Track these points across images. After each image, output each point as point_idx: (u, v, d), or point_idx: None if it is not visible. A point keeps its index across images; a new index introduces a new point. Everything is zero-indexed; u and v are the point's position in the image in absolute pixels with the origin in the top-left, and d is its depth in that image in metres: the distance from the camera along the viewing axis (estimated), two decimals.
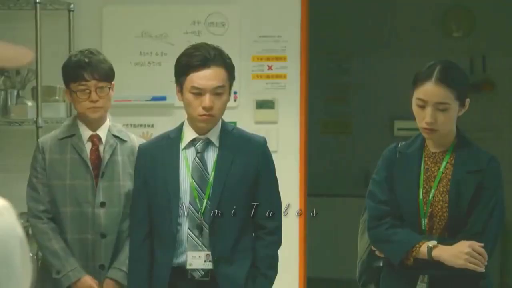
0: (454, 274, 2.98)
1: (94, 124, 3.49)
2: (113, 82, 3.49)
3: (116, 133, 3.52)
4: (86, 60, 3.41)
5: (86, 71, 3.40)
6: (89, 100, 3.41)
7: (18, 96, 4.68)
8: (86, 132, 3.49)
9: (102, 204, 3.43)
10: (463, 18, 7.37)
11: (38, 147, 3.51)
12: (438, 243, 2.98)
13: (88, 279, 3.40)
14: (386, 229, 3.08)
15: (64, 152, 3.47)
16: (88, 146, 3.49)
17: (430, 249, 2.97)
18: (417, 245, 2.99)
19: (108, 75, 3.46)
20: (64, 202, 3.44)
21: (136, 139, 3.58)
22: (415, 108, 3.04)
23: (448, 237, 3.02)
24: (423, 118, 3.00)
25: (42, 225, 3.43)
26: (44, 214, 3.45)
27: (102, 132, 3.50)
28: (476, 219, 3.00)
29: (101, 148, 3.49)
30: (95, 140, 3.49)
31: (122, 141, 3.51)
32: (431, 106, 2.98)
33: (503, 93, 7.29)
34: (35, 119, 4.52)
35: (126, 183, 3.46)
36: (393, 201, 3.09)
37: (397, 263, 3.04)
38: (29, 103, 4.64)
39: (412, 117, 3.08)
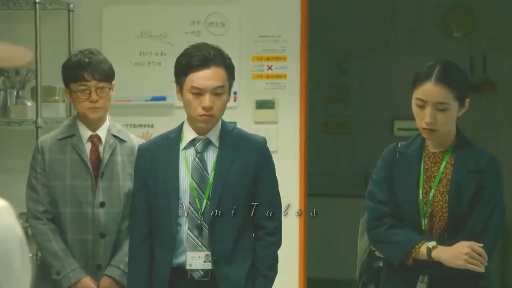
0: (454, 274, 2.98)
1: (94, 124, 3.49)
2: (113, 82, 3.48)
3: (115, 133, 3.52)
4: (87, 60, 3.41)
5: (86, 71, 3.39)
6: (89, 101, 3.40)
7: (17, 96, 4.67)
8: (85, 132, 3.49)
9: (102, 204, 3.42)
10: (463, 18, 7.37)
11: (37, 148, 3.50)
12: (437, 243, 2.98)
13: (87, 280, 3.40)
14: (386, 230, 3.07)
15: (64, 152, 3.46)
16: (88, 146, 3.48)
17: (429, 250, 2.97)
18: (417, 246, 2.99)
19: (108, 75, 3.45)
20: (64, 202, 3.43)
21: (135, 139, 3.57)
22: (414, 108, 3.04)
23: (448, 238, 3.01)
24: (422, 118, 2.99)
25: (42, 226, 3.42)
26: (44, 215, 3.44)
27: (102, 132, 3.50)
28: (476, 219, 2.99)
29: (100, 148, 3.48)
30: (94, 140, 3.49)
31: (122, 141, 3.51)
32: (430, 106, 2.97)
33: (504, 93, 7.29)
34: (34, 119, 4.51)
35: (126, 183, 3.45)
36: (392, 201, 3.09)
37: (397, 263, 3.04)
38: (29, 103, 4.63)
39: (412, 117, 3.07)
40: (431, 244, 2.97)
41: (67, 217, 3.43)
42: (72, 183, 3.43)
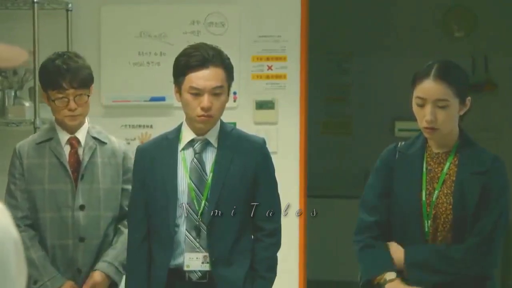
0: (455, 278, 2.97)
1: (73, 128, 3.46)
2: (91, 86, 3.44)
3: (95, 135, 3.49)
4: (65, 67, 3.35)
5: (64, 79, 3.34)
6: (68, 109, 3.37)
7: (15, 96, 4.66)
8: (64, 135, 3.46)
9: (82, 207, 3.40)
10: (464, 18, 7.36)
11: (15, 152, 3.47)
12: (440, 246, 2.97)
13: (68, 287, 3.37)
14: (361, 248, 3.10)
15: (43, 156, 3.43)
16: (67, 149, 3.45)
17: (384, 282, 2.99)
18: (378, 277, 3.01)
19: (86, 82, 3.40)
20: (43, 207, 3.40)
21: (116, 141, 3.55)
22: (415, 108, 3.02)
23: (453, 241, 2.99)
24: (423, 117, 2.97)
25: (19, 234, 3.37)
26: (22, 221, 3.38)
27: (81, 135, 3.47)
28: (484, 221, 2.96)
29: (80, 150, 3.45)
30: (73, 142, 3.45)
31: (102, 143, 3.48)
32: (430, 104, 2.95)
33: (505, 93, 7.28)
34: (32, 120, 4.50)
35: (106, 186, 3.43)
36: (384, 205, 3.08)
37: (361, 284, 3.07)
38: (27, 104, 4.62)
39: (413, 118, 3.05)
40: (390, 276, 2.98)
41: (47, 222, 3.40)
42: (51, 187, 3.40)
